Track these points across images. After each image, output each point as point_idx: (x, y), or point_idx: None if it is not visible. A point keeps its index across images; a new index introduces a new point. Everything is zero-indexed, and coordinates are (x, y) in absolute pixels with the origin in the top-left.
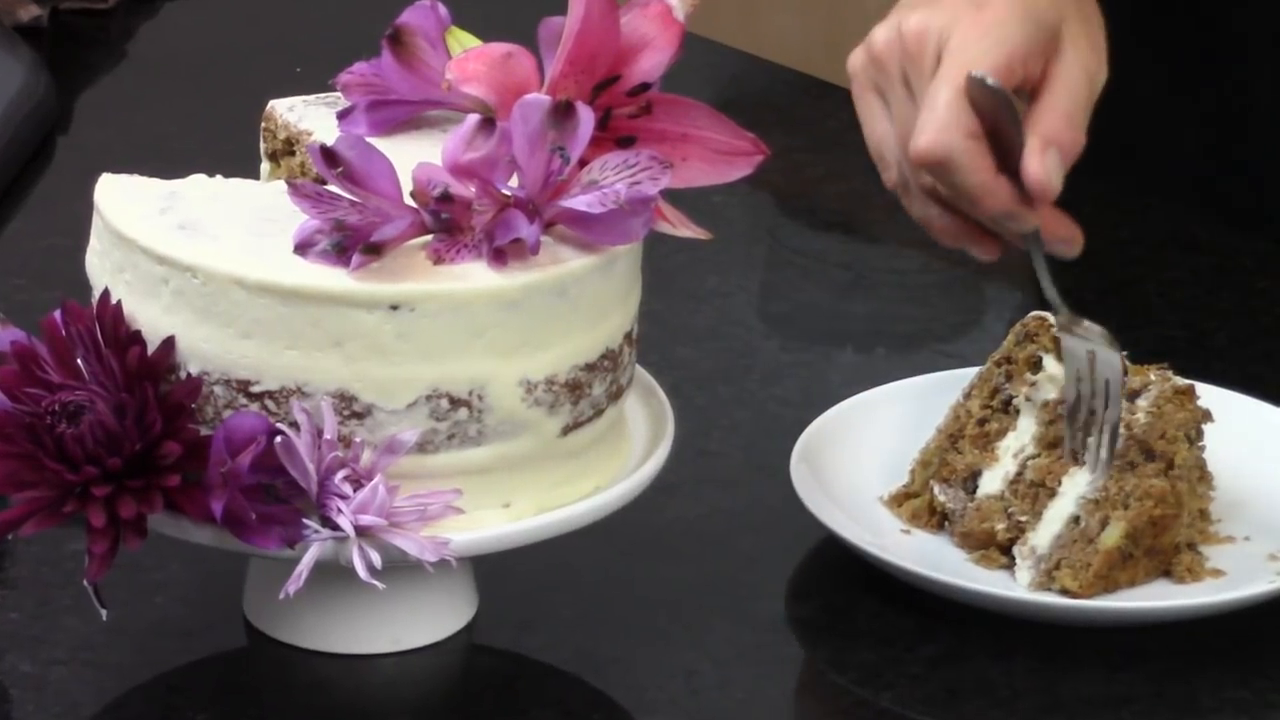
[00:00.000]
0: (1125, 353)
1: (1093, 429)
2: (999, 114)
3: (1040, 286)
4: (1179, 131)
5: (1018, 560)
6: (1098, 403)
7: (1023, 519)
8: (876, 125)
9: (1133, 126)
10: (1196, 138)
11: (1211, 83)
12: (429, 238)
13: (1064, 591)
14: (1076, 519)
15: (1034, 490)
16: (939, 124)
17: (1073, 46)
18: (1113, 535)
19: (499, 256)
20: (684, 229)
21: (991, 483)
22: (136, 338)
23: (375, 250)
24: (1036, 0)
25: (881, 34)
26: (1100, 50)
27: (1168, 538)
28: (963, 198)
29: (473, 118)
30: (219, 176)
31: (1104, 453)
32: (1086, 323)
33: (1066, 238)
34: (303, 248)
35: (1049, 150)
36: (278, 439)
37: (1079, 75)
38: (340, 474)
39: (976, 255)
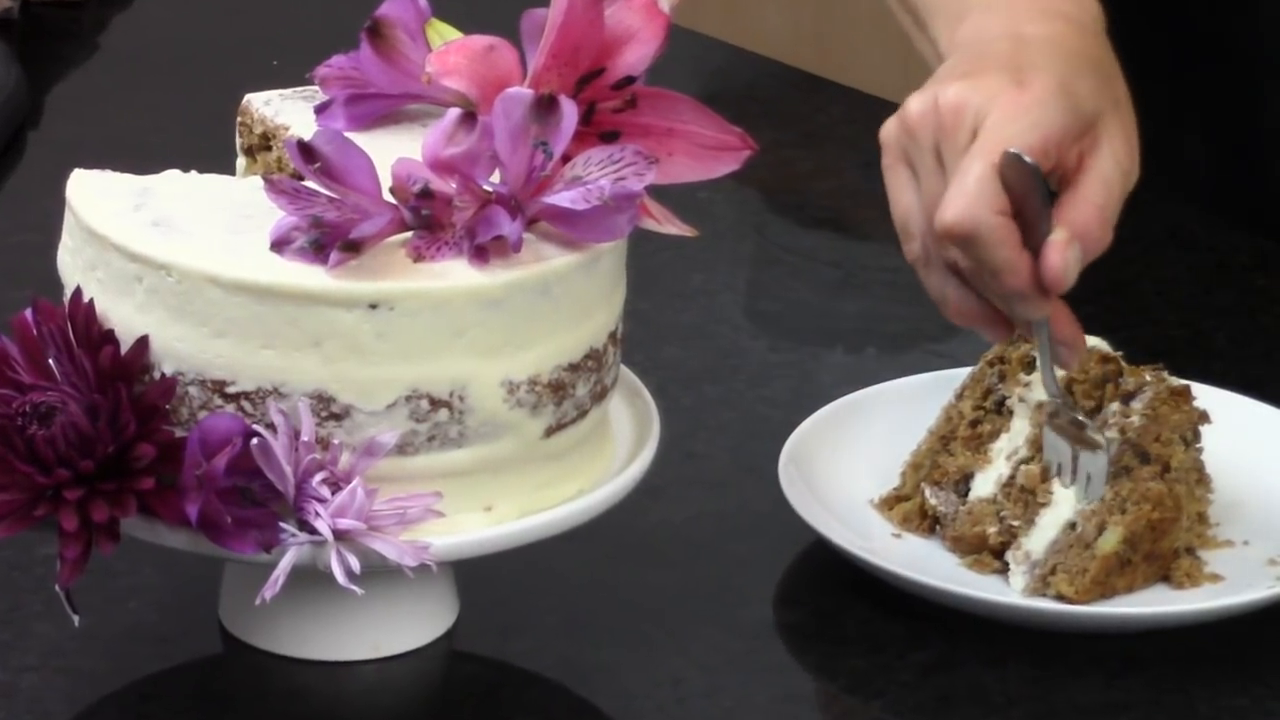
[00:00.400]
0: (1120, 353)
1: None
2: (1028, 195)
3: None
4: (1176, 130)
5: (1011, 565)
6: (1077, 492)
7: (1015, 523)
8: (903, 196)
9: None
10: (1195, 136)
11: (1210, 85)
12: (409, 235)
13: (1060, 597)
14: (1073, 524)
15: (1026, 495)
16: (969, 197)
17: (1109, 141)
18: (1110, 540)
19: (480, 254)
20: (669, 226)
21: (984, 485)
22: (109, 337)
23: (354, 247)
24: (1078, 87)
25: (916, 104)
26: (1134, 148)
27: (1166, 542)
28: (984, 273)
29: (453, 112)
30: (194, 172)
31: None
32: (1082, 419)
33: (1069, 341)
34: (279, 245)
35: (1073, 244)
36: (254, 441)
37: (1114, 171)
38: (318, 477)
39: (987, 338)
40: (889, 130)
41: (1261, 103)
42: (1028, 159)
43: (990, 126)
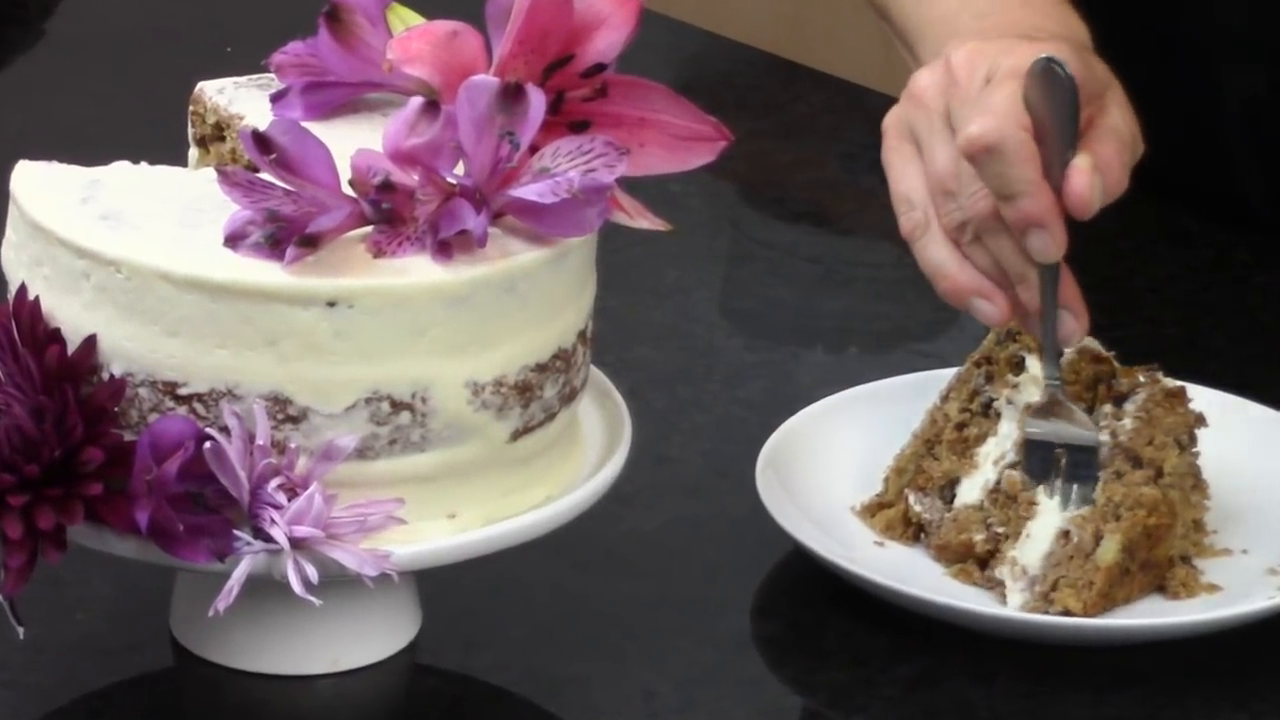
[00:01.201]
0: (1113, 353)
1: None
2: (1056, 114)
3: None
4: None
5: (1007, 582)
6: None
7: (1002, 530)
8: (907, 168)
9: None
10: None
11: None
12: (369, 229)
13: (1065, 612)
14: (1066, 533)
15: (1009, 503)
16: (995, 112)
17: (1118, 108)
18: (1110, 550)
19: (444, 249)
20: (642, 220)
21: (970, 492)
22: (56, 336)
23: (311, 242)
24: (1089, 53)
25: (924, 75)
26: (1138, 126)
27: (1162, 550)
28: (1004, 193)
29: (415, 101)
30: (144, 164)
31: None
32: (1074, 407)
33: (1074, 305)
34: (234, 240)
35: (1097, 173)
36: (207, 444)
37: (1126, 131)
38: (274, 482)
39: (982, 316)
40: (891, 114)
41: (1218, 88)
42: (1065, 68)
43: (1008, 68)
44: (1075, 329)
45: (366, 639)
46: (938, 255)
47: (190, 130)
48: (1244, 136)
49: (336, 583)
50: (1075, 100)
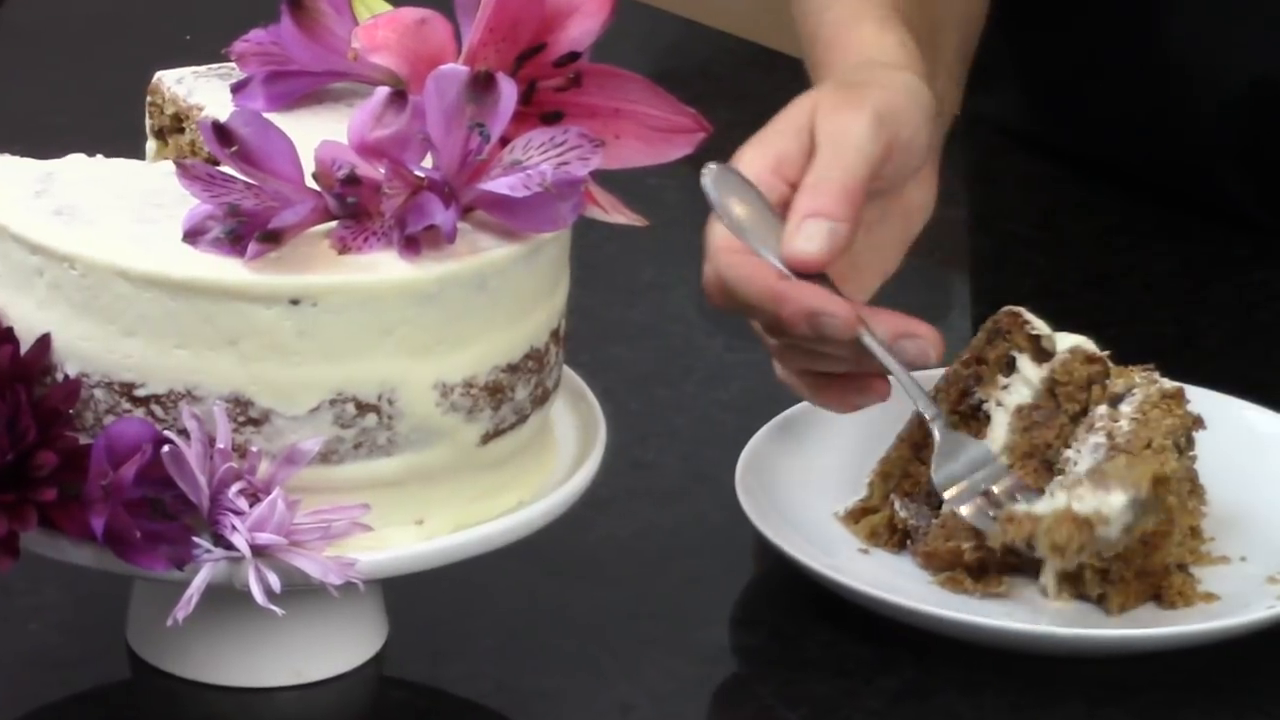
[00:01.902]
0: (1108, 352)
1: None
2: (753, 214)
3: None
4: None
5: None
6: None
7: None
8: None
9: (1114, 112)
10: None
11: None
12: (333, 224)
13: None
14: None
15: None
16: (709, 257)
17: (833, 147)
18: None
19: (411, 245)
20: (617, 215)
21: None
22: (8, 335)
23: (273, 238)
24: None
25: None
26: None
27: (1157, 558)
28: (764, 321)
29: (382, 91)
30: (100, 156)
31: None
32: (962, 436)
33: (904, 331)
34: (193, 235)
35: (807, 221)
36: (165, 448)
37: (861, 148)
38: (235, 487)
39: (867, 403)
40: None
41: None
42: (722, 168)
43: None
44: (923, 349)
45: (331, 650)
46: (783, 373)
47: (148, 121)
48: (1225, 139)
49: (300, 592)
50: (758, 193)
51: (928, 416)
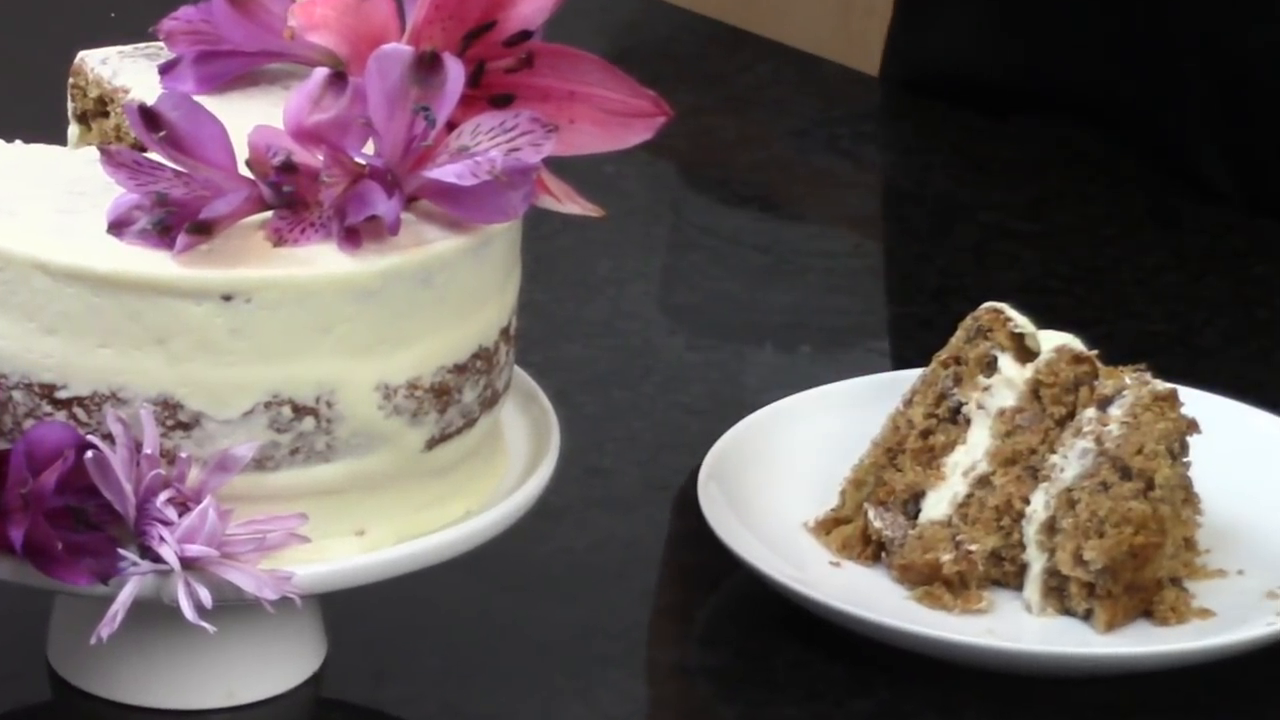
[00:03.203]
0: (1096, 351)
1: None
2: None
3: None
4: (1159, 96)
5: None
6: None
7: (991, 546)
8: None
9: (1104, 93)
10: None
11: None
12: (268, 215)
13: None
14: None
15: (1000, 515)
16: None
17: None
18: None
19: (351, 237)
20: (571, 204)
21: (937, 506)
22: None
23: (204, 230)
24: None
25: None
26: None
27: (1149, 571)
28: None
29: (320, 72)
30: (18, 142)
31: None
32: None
33: None
34: (118, 227)
35: None
36: (88, 454)
37: None
38: (163, 496)
39: None
40: None
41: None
42: None
43: None
44: None
45: (266, 670)
46: None
47: (70, 105)
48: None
49: (232, 607)
50: None
51: None
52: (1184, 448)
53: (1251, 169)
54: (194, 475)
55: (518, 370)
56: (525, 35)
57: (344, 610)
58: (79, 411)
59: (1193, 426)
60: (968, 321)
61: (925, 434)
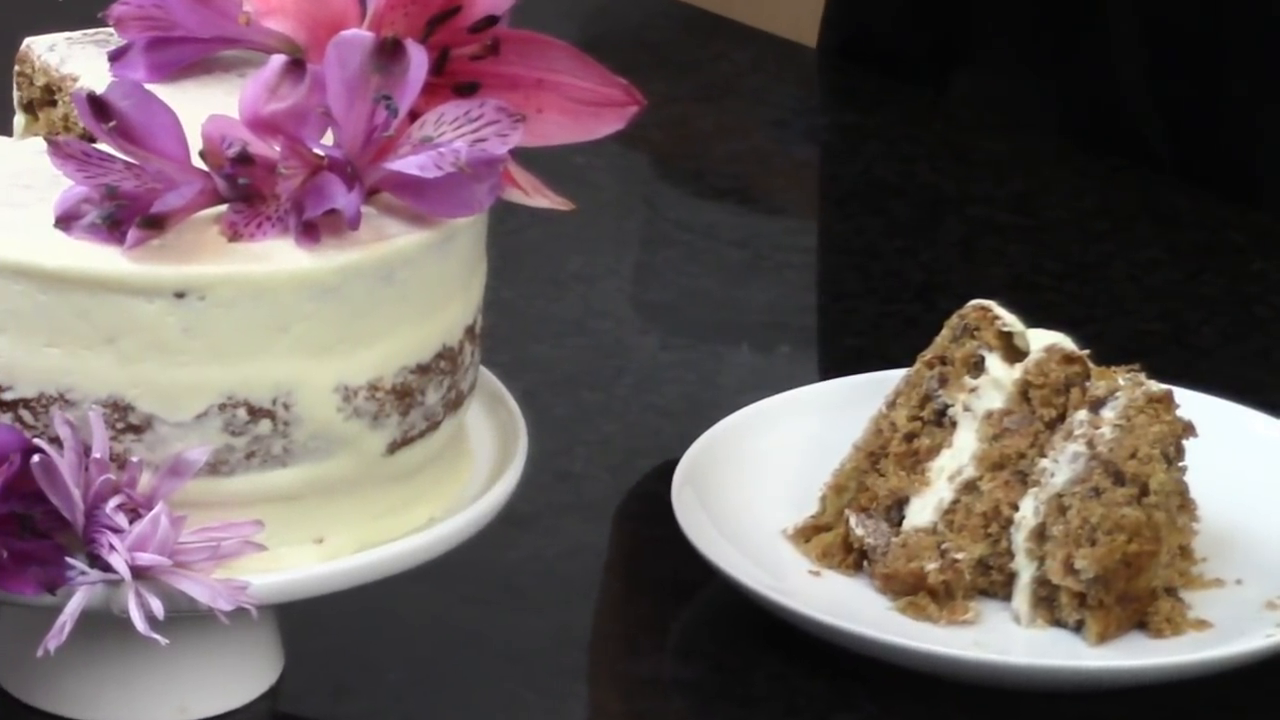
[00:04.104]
0: (1088, 351)
1: None
2: None
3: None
4: (1153, 87)
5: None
6: None
7: (978, 554)
8: None
9: (1098, 79)
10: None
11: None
12: (223, 209)
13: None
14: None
15: (987, 522)
16: None
17: None
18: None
19: (310, 232)
20: (539, 198)
21: (921, 513)
22: None
23: (156, 224)
24: None
25: None
26: None
27: (1143, 580)
28: None
29: (277, 60)
30: None
31: None
32: None
33: None
34: (67, 221)
35: None
36: (35, 458)
37: None
38: (113, 502)
39: None
40: None
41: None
42: None
43: None
44: None
45: (220, 684)
46: None
47: (16, 94)
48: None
49: (185, 618)
50: None
51: None
52: (1180, 452)
53: (1187, 130)
54: (145, 480)
55: (484, 371)
56: (491, 21)
57: (302, 621)
58: (25, 414)
59: (1189, 429)
60: (954, 320)
61: (909, 437)
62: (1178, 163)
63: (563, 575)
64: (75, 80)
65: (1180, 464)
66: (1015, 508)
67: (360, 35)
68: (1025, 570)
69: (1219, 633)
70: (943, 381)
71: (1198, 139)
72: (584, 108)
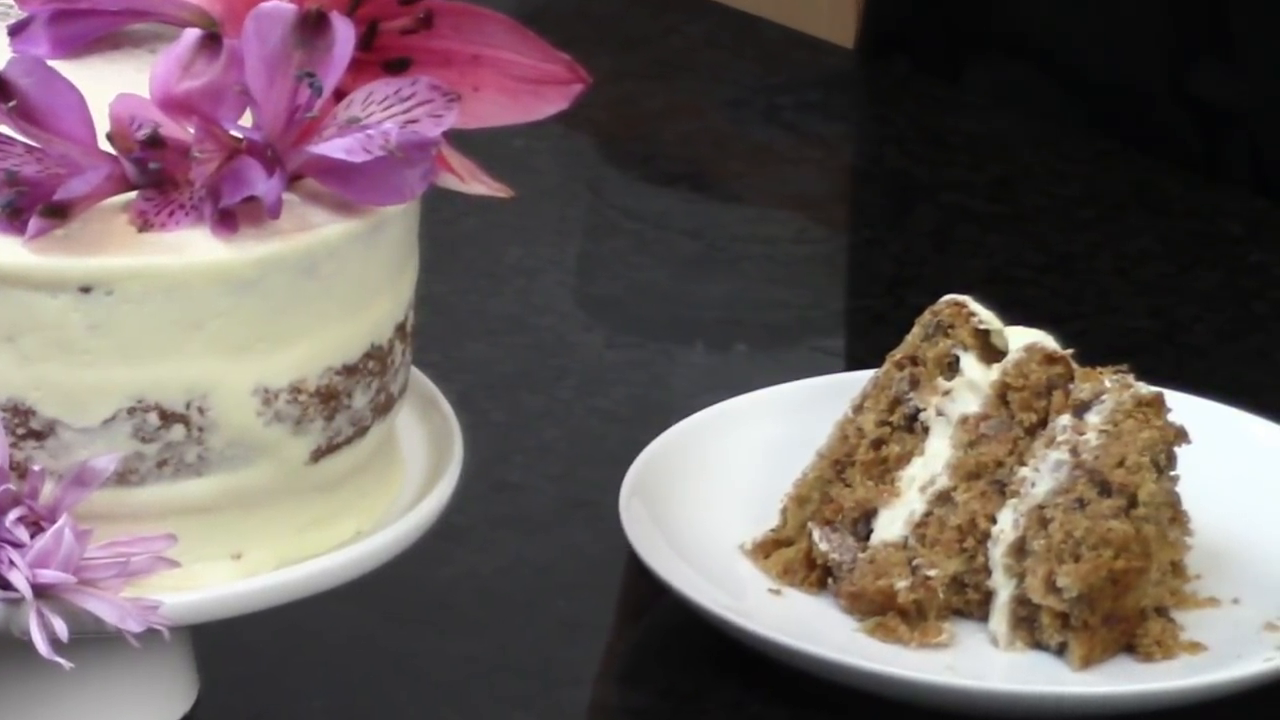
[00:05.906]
0: (1071, 351)
1: None
2: None
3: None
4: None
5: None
6: None
7: (952, 571)
8: None
9: (1083, 57)
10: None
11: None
12: (132, 196)
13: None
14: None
15: (962, 536)
16: None
17: None
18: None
19: (226, 221)
20: (476, 184)
21: (891, 526)
22: None
23: (60, 212)
24: None
25: None
26: None
27: (1131, 599)
28: None
29: (191, 33)
30: None
31: None
32: None
33: None
34: None
35: None
36: None
37: None
38: (13, 514)
39: None
40: None
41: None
42: None
43: None
44: None
45: (130, 711)
46: None
47: None
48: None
49: (92, 640)
50: None
51: None
52: (1171, 460)
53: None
54: (48, 491)
55: (415, 372)
56: None
57: (218, 644)
58: None
59: (1181, 435)
60: (926, 316)
61: (877, 444)
62: (1209, 161)
63: (500, 594)
64: None
65: (1172, 473)
66: (993, 520)
67: (281, 7)
68: (1003, 588)
69: (1214, 656)
70: (914, 383)
71: (1228, 135)
72: (524, 86)
